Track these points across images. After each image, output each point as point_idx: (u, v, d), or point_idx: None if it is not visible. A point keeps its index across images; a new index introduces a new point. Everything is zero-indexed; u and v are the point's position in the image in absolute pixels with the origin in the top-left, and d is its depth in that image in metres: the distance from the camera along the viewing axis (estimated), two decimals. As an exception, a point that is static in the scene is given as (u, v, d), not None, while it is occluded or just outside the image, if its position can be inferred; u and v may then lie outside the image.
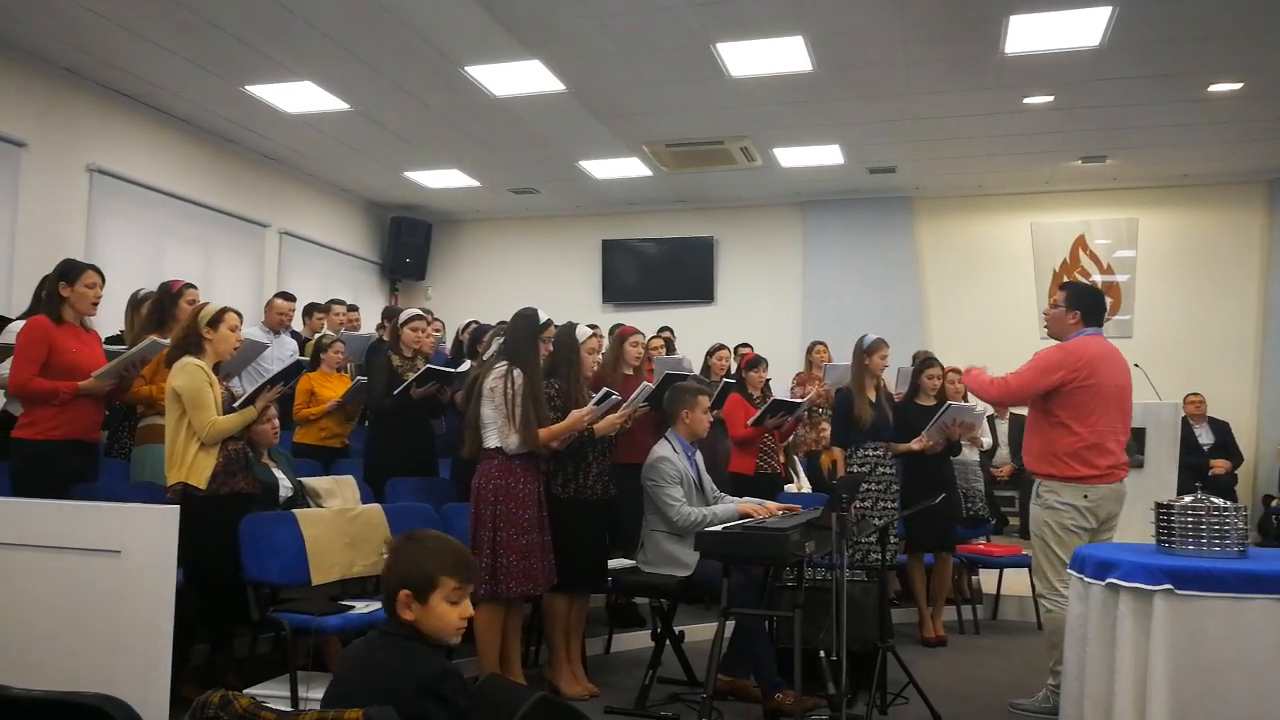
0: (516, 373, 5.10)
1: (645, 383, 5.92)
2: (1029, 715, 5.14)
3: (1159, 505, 3.94)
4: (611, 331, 6.76)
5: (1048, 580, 5.15)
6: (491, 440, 5.11)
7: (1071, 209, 12.08)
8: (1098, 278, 11.93)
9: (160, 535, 2.80)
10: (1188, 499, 3.87)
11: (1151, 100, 9.05)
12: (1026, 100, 9.07)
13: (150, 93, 9.20)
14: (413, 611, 2.51)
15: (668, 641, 5.45)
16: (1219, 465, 10.05)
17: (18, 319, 5.99)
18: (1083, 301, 5.30)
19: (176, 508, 2.88)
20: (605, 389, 5.35)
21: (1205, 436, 10.31)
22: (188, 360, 4.81)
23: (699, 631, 6.32)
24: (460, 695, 2.35)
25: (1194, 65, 8.23)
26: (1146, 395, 7.61)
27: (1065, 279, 11.91)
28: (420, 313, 6.87)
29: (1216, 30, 7.55)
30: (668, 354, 8.19)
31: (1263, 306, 11.45)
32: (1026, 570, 7.27)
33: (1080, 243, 12.07)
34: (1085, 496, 5.07)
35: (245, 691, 3.56)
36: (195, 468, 4.73)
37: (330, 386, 7.15)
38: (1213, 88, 8.72)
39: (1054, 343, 5.34)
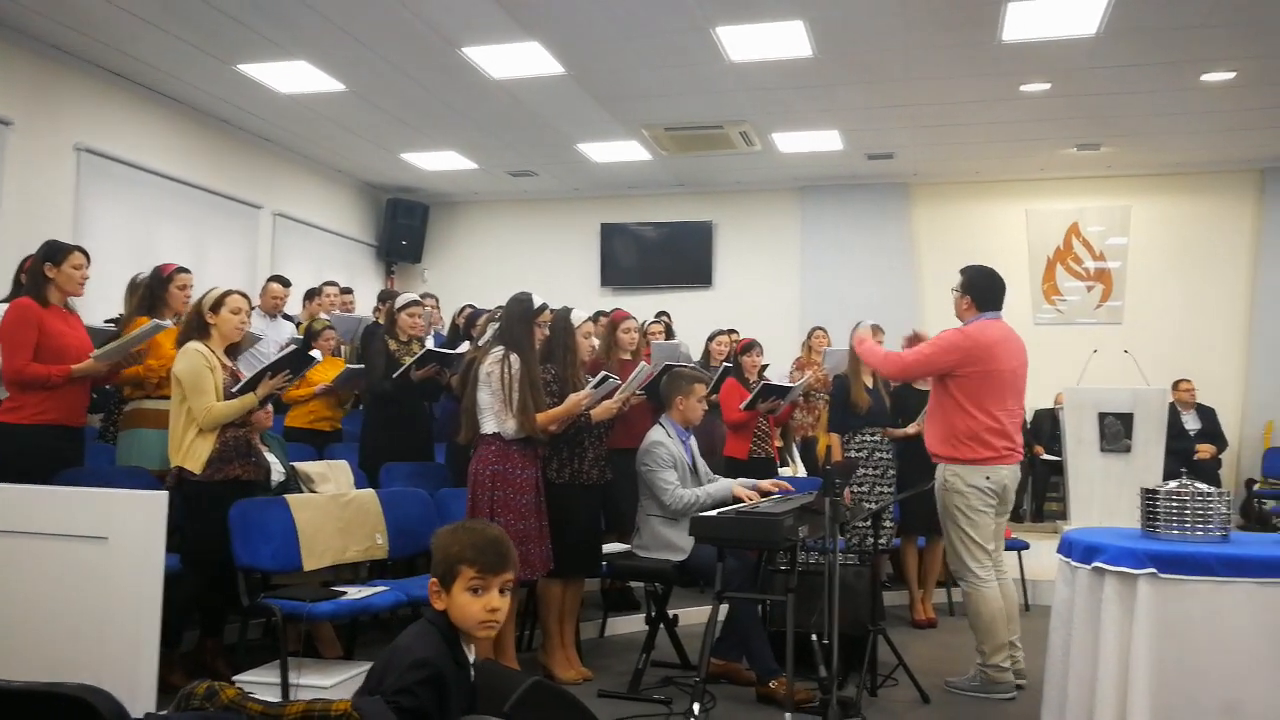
0: (513, 358, 5.08)
1: (643, 363, 5.90)
2: (961, 694, 5.20)
3: (1145, 490, 4.00)
4: (601, 318, 6.72)
5: (962, 562, 5.24)
6: (489, 426, 5.10)
7: (1066, 196, 12.09)
8: (1090, 264, 11.99)
9: (147, 521, 2.78)
10: (1173, 484, 3.93)
11: (1146, 89, 9.04)
12: (1023, 87, 9.05)
13: (140, 71, 9.10)
14: (442, 601, 2.52)
15: (662, 625, 5.48)
16: (1204, 450, 10.15)
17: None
18: (974, 287, 5.37)
19: (164, 494, 2.85)
20: (603, 373, 5.35)
21: (1192, 422, 10.39)
22: (190, 345, 4.84)
23: (693, 615, 6.35)
24: (419, 688, 2.33)
25: (1188, 54, 8.23)
26: (1134, 381, 7.64)
27: (1059, 266, 11.99)
28: (417, 298, 6.83)
29: (1211, 20, 7.54)
30: (666, 339, 8.14)
31: (1251, 294, 11.51)
32: (1017, 553, 7.35)
33: (1074, 230, 12.07)
34: (987, 478, 5.19)
35: (235, 679, 3.55)
36: (191, 453, 4.74)
37: (320, 369, 7.10)
38: (1205, 77, 8.71)
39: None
